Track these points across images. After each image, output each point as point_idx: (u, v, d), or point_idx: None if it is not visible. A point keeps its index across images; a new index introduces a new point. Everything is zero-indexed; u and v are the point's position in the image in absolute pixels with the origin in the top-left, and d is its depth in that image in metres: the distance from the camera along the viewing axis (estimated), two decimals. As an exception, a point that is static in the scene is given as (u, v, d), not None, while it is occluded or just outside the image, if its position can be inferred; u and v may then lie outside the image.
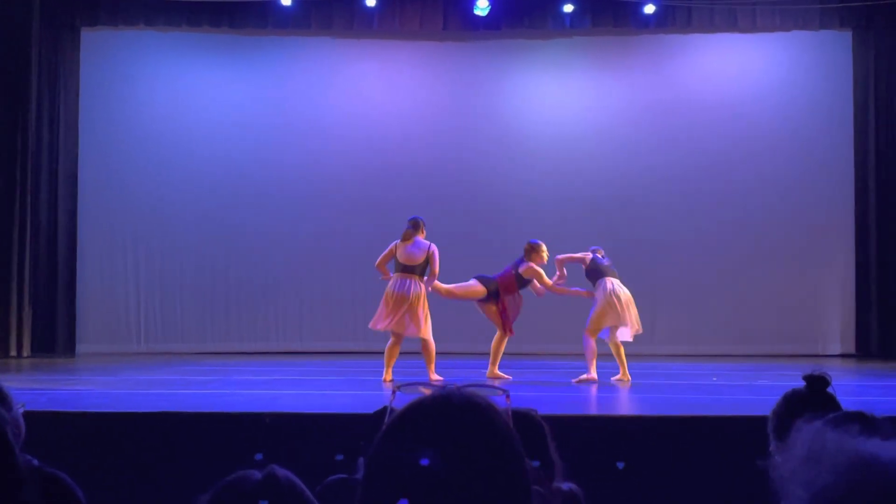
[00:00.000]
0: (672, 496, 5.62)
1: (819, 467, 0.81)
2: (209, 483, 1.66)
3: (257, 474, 1.72)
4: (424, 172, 13.54)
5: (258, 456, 5.37)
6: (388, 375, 9.40)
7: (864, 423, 2.30)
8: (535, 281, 9.70)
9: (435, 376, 9.33)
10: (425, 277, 9.51)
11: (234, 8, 13.30)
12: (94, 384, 8.98)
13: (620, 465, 5.81)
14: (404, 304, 9.39)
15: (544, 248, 9.82)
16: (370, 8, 13.17)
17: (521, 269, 9.72)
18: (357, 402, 7.38)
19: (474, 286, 9.87)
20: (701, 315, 13.26)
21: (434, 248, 9.48)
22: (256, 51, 13.68)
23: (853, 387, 8.80)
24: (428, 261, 9.45)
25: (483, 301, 9.89)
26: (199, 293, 13.51)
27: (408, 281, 9.42)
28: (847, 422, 0.91)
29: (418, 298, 9.41)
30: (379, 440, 1.33)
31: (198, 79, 13.70)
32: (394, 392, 1.56)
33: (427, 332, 9.43)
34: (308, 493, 1.73)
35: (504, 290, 9.78)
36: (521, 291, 9.88)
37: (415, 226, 9.61)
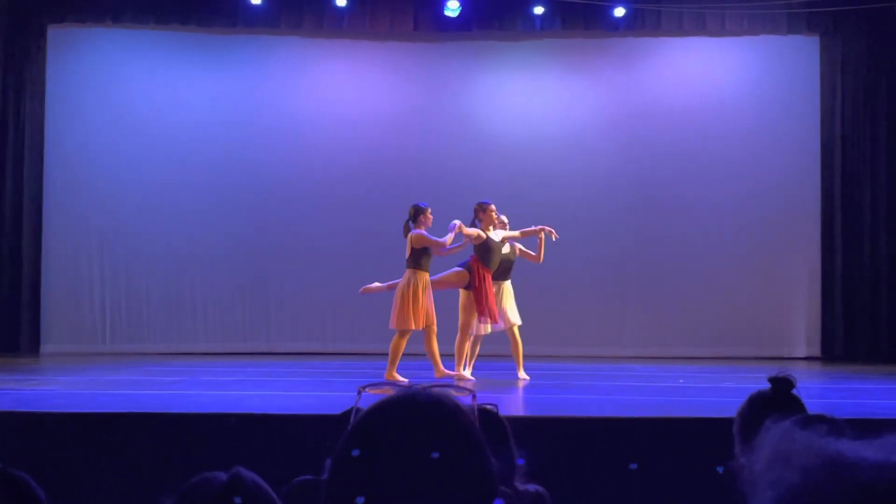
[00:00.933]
0: (637, 498, 5.64)
1: (787, 467, 0.81)
2: (174, 484, 1.64)
3: (222, 476, 1.70)
4: (393, 173, 13.52)
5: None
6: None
7: (834, 425, 2.31)
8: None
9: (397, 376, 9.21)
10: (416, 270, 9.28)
11: (203, 6, 13.23)
12: (58, 384, 8.89)
13: (587, 466, 5.82)
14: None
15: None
16: (340, 8, 13.13)
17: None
18: (324, 402, 7.35)
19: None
20: (668, 317, 13.32)
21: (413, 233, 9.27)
22: (225, 50, 13.61)
23: (818, 389, 8.87)
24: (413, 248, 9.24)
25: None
26: (165, 293, 13.42)
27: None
28: (815, 423, 0.90)
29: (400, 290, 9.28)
30: (344, 440, 1.32)
31: (166, 77, 13.61)
32: (359, 392, 1.55)
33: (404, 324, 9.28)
34: (273, 494, 1.72)
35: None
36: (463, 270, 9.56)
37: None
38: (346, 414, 2.01)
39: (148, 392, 8.31)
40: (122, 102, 13.51)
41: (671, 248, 13.42)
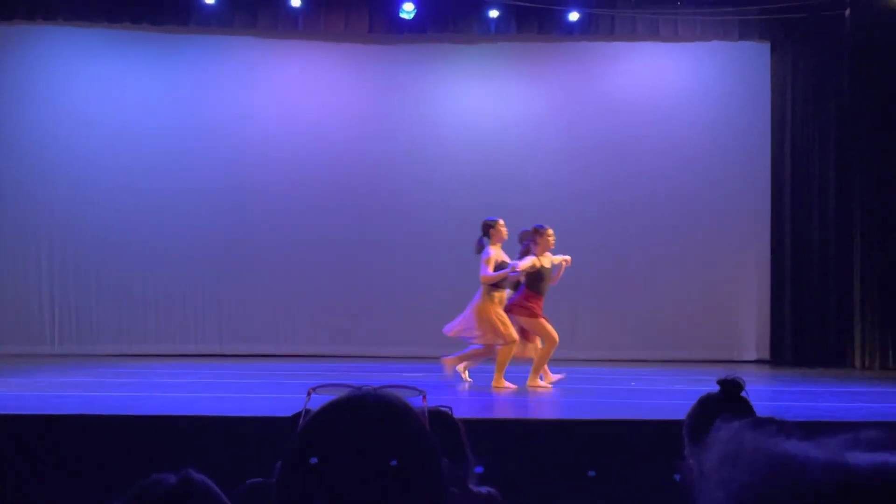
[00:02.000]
0: (589, 499, 5.66)
1: (736, 467, 0.82)
2: (125, 487, 1.62)
3: (172, 478, 1.69)
4: (346, 174, 13.49)
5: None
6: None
7: (782, 426, 2.34)
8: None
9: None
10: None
11: (156, 5, 13.10)
12: (5, 386, 8.76)
13: (539, 467, 5.84)
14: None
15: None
16: (295, 8, 13.07)
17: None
18: (276, 405, 7.31)
19: None
20: (620, 321, 13.40)
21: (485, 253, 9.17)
22: (178, 49, 13.49)
23: (766, 392, 8.98)
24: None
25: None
26: (115, 294, 13.26)
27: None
28: (764, 423, 0.91)
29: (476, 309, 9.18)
30: (293, 443, 1.31)
31: (117, 76, 13.47)
32: (309, 394, 1.54)
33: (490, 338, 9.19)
34: (224, 497, 1.70)
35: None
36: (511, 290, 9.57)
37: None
38: (297, 416, 2.00)
39: (98, 394, 8.22)
40: (72, 100, 13.35)
41: (623, 252, 13.50)
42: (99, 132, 13.33)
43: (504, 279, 9.32)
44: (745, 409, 3.04)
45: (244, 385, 9.43)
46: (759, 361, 13.34)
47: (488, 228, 9.39)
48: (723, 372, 3.21)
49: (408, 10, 12.86)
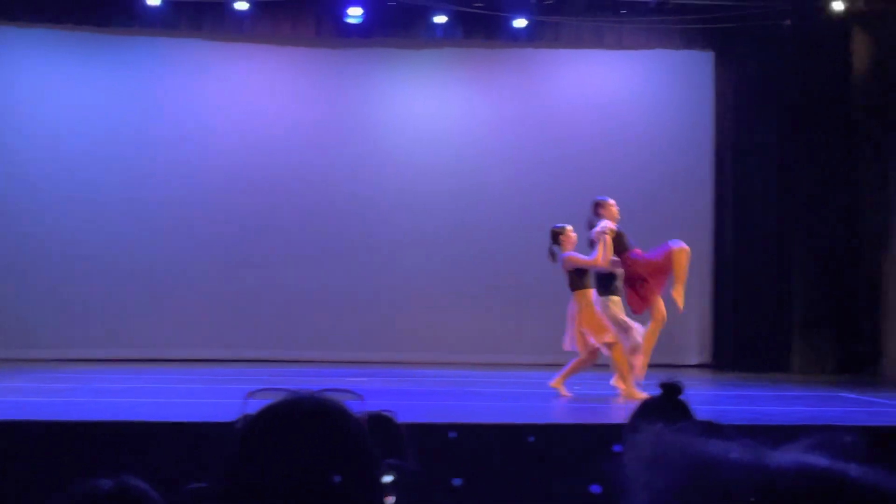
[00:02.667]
0: (525, 498, 5.69)
1: (659, 469, 0.83)
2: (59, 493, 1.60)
3: (107, 483, 1.67)
4: (291, 178, 13.41)
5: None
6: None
7: (707, 428, 2.37)
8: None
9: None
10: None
11: (100, 6, 12.94)
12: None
13: (479, 471, 5.85)
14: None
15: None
16: (241, 11, 12.98)
17: None
18: (217, 409, 7.24)
19: None
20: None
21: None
22: (122, 50, 13.33)
23: (706, 396, 9.08)
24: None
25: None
26: (54, 296, 13.05)
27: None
28: (688, 425, 0.93)
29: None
30: (230, 448, 1.30)
31: (60, 77, 13.28)
32: (247, 398, 1.53)
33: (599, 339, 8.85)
34: (162, 502, 1.69)
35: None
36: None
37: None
38: (238, 421, 1.99)
39: (37, 399, 8.09)
40: (11, 100, 13.13)
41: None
42: (37, 132, 13.13)
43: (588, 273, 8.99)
44: (684, 412, 3.07)
45: (187, 390, 9.34)
46: (700, 366, 13.48)
47: (558, 236, 9.19)
48: (665, 376, 3.25)
49: (354, 15, 12.83)
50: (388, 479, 2.58)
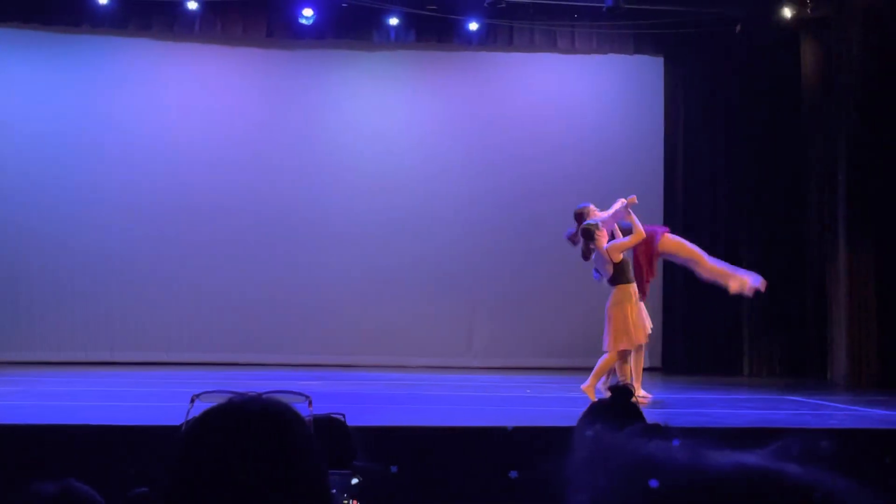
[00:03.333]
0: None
1: (598, 470, 0.83)
2: (4, 497, 1.58)
3: (51, 487, 1.64)
4: (241, 179, 13.33)
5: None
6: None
7: (649, 429, 2.39)
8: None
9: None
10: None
11: (47, 4, 12.78)
12: None
13: (433, 475, 5.84)
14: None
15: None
16: (192, 11, 12.88)
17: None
18: (165, 413, 7.16)
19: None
20: (516, 328, 13.50)
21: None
22: (70, 49, 13.17)
23: (656, 399, 9.13)
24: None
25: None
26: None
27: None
28: (628, 427, 0.93)
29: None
30: (174, 452, 1.28)
31: (6, 76, 13.10)
32: (192, 400, 1.51)
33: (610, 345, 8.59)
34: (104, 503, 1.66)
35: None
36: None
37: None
38: (182, 425, 1.96)
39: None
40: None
41: (518, 260, 13.61)
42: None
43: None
44: (634, 415, 3.09)
45: (134, 393, 9.24)
46: (651, 369, 13.56)
47: (593, 233, 8.66)
48: (614, 379, 3.26)
49: (307, 16, 12.78)
50: (354, 481, 2.57)
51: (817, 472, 0.77)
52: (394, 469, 5.36)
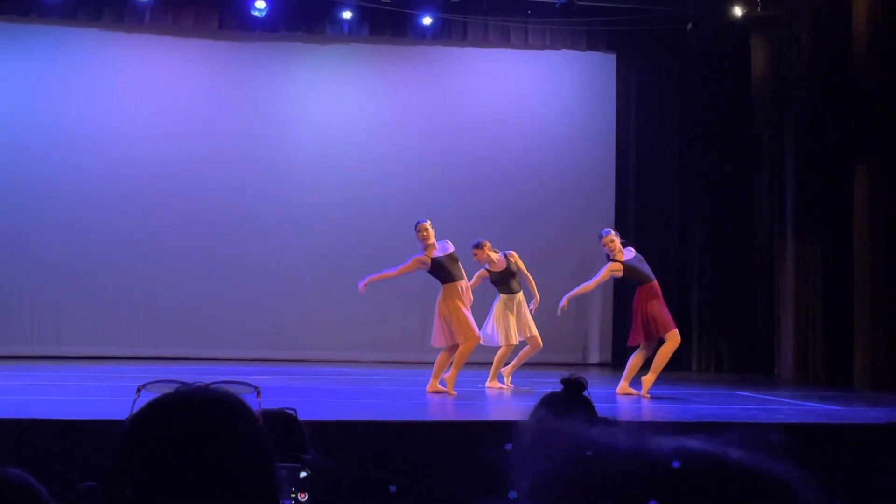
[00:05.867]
0: (431, 497, 5.70)
1: (540, 455, 0.83)
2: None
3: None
4: (189, 173, 13.20)
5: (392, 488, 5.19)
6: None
7: (592, 417, 2.41)
8: None
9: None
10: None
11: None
12: None
13: (388, 468, 5.84)
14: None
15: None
16: (142, 2, 12.74)
17: None
18: (113, 407, 7.09)
19: None
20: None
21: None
22: (17, 40, 12.96)
23: (605, 394, 9.22)
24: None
25: None
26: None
27: None
28: (572, 412, 0.93)
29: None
30: (119, 440, 1.27)
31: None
32: (139, 391, 1.49)
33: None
34: (46, 493, 1.64)
35: None
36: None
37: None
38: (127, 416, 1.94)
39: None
40: None
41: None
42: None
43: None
44: (586, 407, 3.10)
45: (82, 387, 9.14)
46: (602, 364, 13.67)
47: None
48: (565, 373, 3.27)
49: (259, 8, 12.69)
50: (302, 474, 2.56)
51: (760, 456, 0.78)
52: (392, 489, 5.40)
